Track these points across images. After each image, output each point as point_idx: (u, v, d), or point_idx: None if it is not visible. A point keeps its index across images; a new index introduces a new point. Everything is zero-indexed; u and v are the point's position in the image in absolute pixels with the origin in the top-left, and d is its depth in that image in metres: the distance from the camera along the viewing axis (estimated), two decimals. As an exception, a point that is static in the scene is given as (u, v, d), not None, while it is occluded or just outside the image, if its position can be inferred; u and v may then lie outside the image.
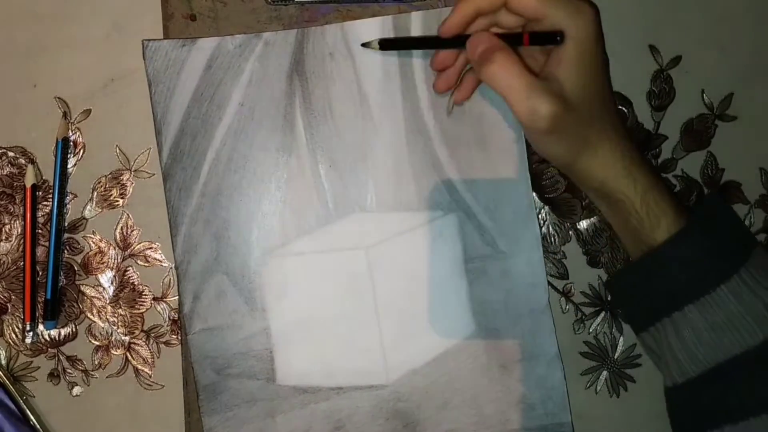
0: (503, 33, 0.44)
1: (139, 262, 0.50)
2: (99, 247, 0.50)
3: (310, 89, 0.50)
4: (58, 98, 0.50)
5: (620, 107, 0.52)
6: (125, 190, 0.50)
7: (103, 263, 0.50)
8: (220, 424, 0.49)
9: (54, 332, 0.50)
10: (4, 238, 0.50)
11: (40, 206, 0.50)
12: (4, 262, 0.50)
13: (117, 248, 0.50)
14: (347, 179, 0.50)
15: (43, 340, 0.50)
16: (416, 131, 0.50)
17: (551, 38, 0.41)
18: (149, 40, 0.49)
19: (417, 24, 0.49)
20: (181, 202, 0.49)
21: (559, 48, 0.42)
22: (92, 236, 0.50)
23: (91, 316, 0.50)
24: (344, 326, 0.50)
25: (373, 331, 0.49)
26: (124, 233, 0.50)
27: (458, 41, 0.44)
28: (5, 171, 0.50)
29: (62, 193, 0.50)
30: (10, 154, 0.50)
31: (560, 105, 0.41)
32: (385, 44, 0.47)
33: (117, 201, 0.50)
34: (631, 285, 0.46)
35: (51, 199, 0.49)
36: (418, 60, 0.50)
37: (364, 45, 0.48)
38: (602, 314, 0.52)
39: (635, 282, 0.45)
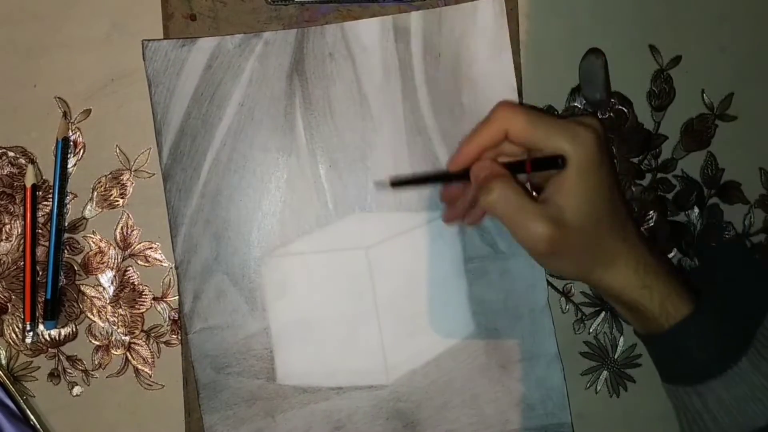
0: (508, 161, 0.44)
1: (139, 262, 0.50)
2: (99, 247, 0.50)
3: (310, 89, 0.50)
4: (58, 98, 0.50)
5: (620, 107, 0.52)
6: (125, 190, 0.50)
7: (103, 263, 0.50)
8: (220, 422, 0.49)
9: (54, 332, 0.50)
10: (4, 238, 0.50)
11: (40, 206, 0.50)
12: (4, 262, 0.50)
13: (117, 248, 0.50)
14: (347, 179, 0.50)
15: (43, 340, 0.50)
16: (416, 131, 0.50)
17: (553, 163, 0.41)
18: (149, 40, 0.49)
19: (417, 24, 0.50)
20: (181, 202, 0.49)
21: (559, 172, 0.42)
22: (92, 236, 0.50)
23: (91, 316, 0.50)
24: (344, 326, 0.50)
25: (373, 331, 0.49)
26: (124, 233, 0.50)
27: (466, 174, 0.45)
28: (5, 171, 0.50)
29: (62, 193, 0.50)
30: (10, 154, 0.50)
31: (558, 228, 0.41)
32: (397, 183, 0.48)
33: (117, 201, 0.50)
34: (650, 351, 0.47)
35: (51, 199, 0.49)
36: (418, 61, 0.50)
37: (376, 184, 0.49)
38: (602, 314, 0.52)
39: (655, 350, 0.47)
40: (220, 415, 0.49)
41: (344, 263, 0.50)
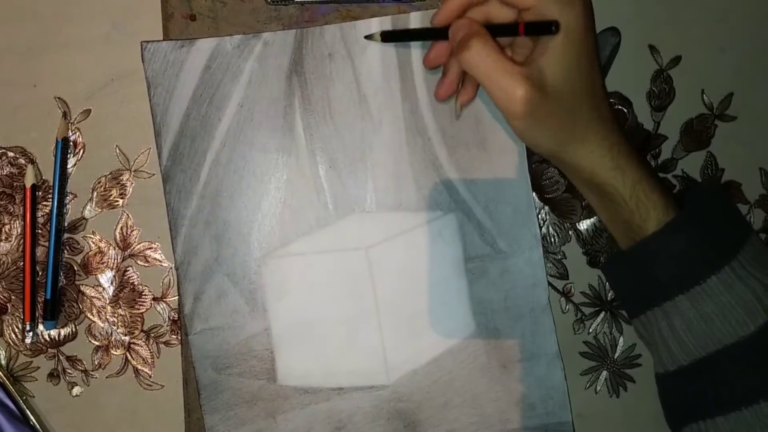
0: (499, 24, 0.44)
1: (138, 262, 0.50)
2: (99, 247, 0.50)
3: (309, 90, 0.50)
4: (58, 98, 0.50)
5: (620, 107, 0.52)
6: (125, 190, 0.50)
7: (102, 263, 0.50)
8: (221, 423, 0.49)
9: (54, 332, 0.50)
10: (3, 238, 0.50)
11: (40, 206, 0.50)
12: (4, 262, 0.50)
13: (117, 248, 0.50)
14: (346, 180, 0.50)
15: (42, 340, 0.50)
16: (415, 131, 0.50)
17: (546, 28, 0.41)
18: (148, 41, 0.49)
19: (416, 24, 0.50)
20: (181, 203, 0.49)
21: (546, 37, 0.41)
22: (92, 236, 0.50)
23: (91, 316, 0.50)
24: (345, 326, 0.50)
25: (373, 332, 0.49)
26: (124, 233, 0.50)
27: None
28: (5, 171, 0.50)
29: (62, 193, 0.50)
30: (10, 154, 0.50)
31: (536, 91, 0.41)
32: (387, 36, 0.48)
33: (117, 201, 0.50)
34: (621, 274, 0.46)
35: (51, 199, 0.49)
36: (417, 61, 0.50)
37: (367, 37, 0.48)
38: (602, 314, 0.52)
39: (625, 272, 0.46)
40: (221, 416, 0.49)
41: (344, 263, 0.50)
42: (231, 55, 0.49)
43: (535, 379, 0.50)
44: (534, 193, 0.51)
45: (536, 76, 0.41)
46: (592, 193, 0.45)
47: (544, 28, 0.41)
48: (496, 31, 0.43)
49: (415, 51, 0.50)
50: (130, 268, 0.50)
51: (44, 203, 0.50)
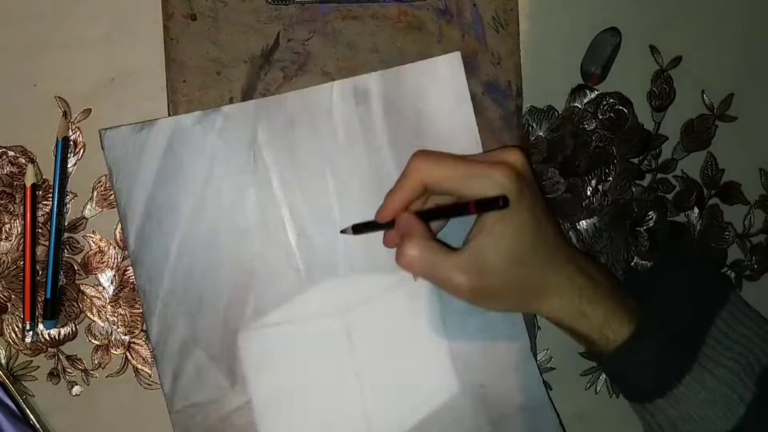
0: (449, 205, 0.44)
1: (139, 261, 0.50)
2: (99, 247, 0.50)
3: (273, 159, 0.49)
4: (58, 98, 0.50)
5: (620, 107, 0.52)
6: (125, 189, 0.50)
7: (103, 263, 0.50)
8: None
9: (54, 331, 0.50)
10: (4, 237, 0.50)
11: (40, 205, 0.50)
12: (4, 261, 0.50)
13: (117, 248, 0.50)
14: (318, 246, 0.49)
15: (42, 340, 0.50)
16: (383, 191, 0.47)
17: (495, 203, 0.40)
18: (105, 129, 0.48)
19: (376, 85, 0.49)
20: (152, 285, 0.48)
21: (481, 216, 0.42)
22: (92, 236, 0.50)
23: (91, 316, 0.50)
24: (326, 394, 0.49)
25: (356, 398, 0.49)
26: (124, 233, 0.50)
27: None
28: (5, 170, 0.50)
29: (62, 193, 0.50)
30: (10, 153, 0.50)
31: (478, 275, 0.41)
32: (358, 229, 0.47)
33: (117, 200, 0.50)
34: (604, 367, 0.48)
35: (51, 199, 0.49)
36: (380, 122, 0.49)
37: (342, 231, 0.48)
38: (602, 314, 0.52)
39: (605, 368, 0.48)
40: None
41: (322, 331, 0.49)
42: (191, 132, 0.48)
43: (527, 430, 0.49)
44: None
45: (475, 262, 0.42)
46: (564, 331, 0.46)
47: (492, 204, 0.40)
48: (448, 212, 0.44)
49: (377, 112, 0.49)
50: (130, 268, 0.50)
51: (44, 202, 0.50)
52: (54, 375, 0.50)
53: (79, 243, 0.50)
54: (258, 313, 0.49)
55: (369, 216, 0.47)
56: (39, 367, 0.50)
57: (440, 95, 0.50)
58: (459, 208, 0.43)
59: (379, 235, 0.47)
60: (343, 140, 0.49)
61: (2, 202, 0.50)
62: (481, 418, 0.49)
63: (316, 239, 0.49)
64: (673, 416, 0.43)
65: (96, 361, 0.50)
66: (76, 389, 0.50)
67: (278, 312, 0.49)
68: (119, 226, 0.50)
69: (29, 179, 0.49)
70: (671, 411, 0.43)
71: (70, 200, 0.50)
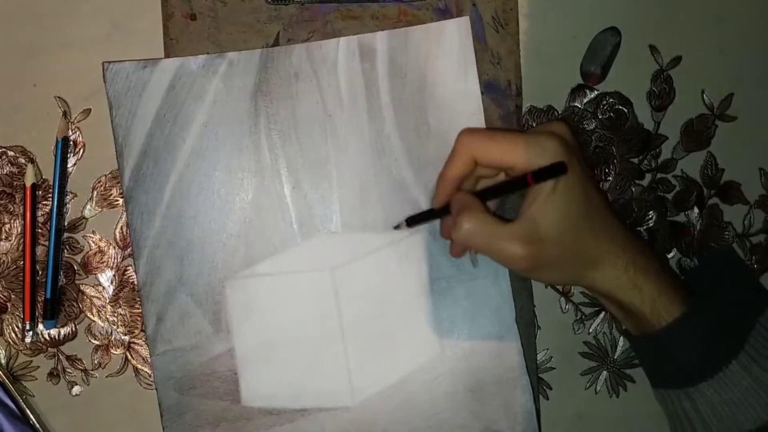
0: (508, 181, 0.44)
1: (138, 261, 0.50)
2: (99, 247, 0.50)
3: (274, 110, 0.49)
4: (58, 98, 0.50)
5: (620, 107, 0.52)
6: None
7: (102, 263, 0.50)
8: None
9: (54, 331, 0.50)
10: (3, 237, 0.50)
11: (40, 205, 0.50)
12: (3, 261, 0.50)
13: (117, 248, 0.50)
14: (312, 200, 0.49)
15: (42, 340, 0.50)
16: (382, 152, 0.49)
17: (554, 171, 0.41)
18: (109, 62, 0.48)
19: (383, 44, 0.49)
20: (143, 224, 0.48)
21: (535, 188, 0.42)
22: (92, 236, 0.50)
23: (91, 316, 0.50)
24: (309, 347, 0.49)
25: (338, 353, 0.49)
26: (124, 233, 0.50)
27: None
28: (5, 170, 0.50)
29: (62, 193, 0.50)
30: (10, 153, 0.50)
31: (534, 245, 0.41)
32: (412, 221, 0.47)
33: (117, 200, 0.50)
34: (640, 352, 0.47)
35: (51, 199, 0.49)
36: (384, 81, 0.49)
37: (395, 228, 0.48)
38: (602, 314, 0.52)
39: (644, 352, 0.47)
40: None
41: (309, 284, 0.49)
42: (195, 75, 0.49)
43: (503, 404, 0.49)
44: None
45: (530, 232, 0.42)
46: (614, 308, 0.46)
47: (552, 172, 0.41)
48: (505, 188, 0.44)
49: (382, 72, 0.49)
50: (130, 268, 0.50)
51: (44, 202, 0.50)
52: (54, 375, 0.50)
53: (78, 243, 0.50)
54: (247, 263, 0.49)
55: (364, 172, 0.47)
56: (39, 367, 0.50)
57: (446, 59, 0.50)
58: (515, 182, 0.43)
59: (375, 195, 0.48)
60: (345, 97, 0.49)
61: (2, 202, 0.50)
62: (459, 384, 0.49)
63: (311, 193, 0.49)
64: (716, 401, 0.42)
65: (96, 361, 0.50)
66: (75, 389, 0.50)
67: (267, 262, 0.49)
68: (119, 226, 0.50)
69: (29, 179, 0.49)
70: (714, 396, 0.42)
71: (70, 200, 0.50)
